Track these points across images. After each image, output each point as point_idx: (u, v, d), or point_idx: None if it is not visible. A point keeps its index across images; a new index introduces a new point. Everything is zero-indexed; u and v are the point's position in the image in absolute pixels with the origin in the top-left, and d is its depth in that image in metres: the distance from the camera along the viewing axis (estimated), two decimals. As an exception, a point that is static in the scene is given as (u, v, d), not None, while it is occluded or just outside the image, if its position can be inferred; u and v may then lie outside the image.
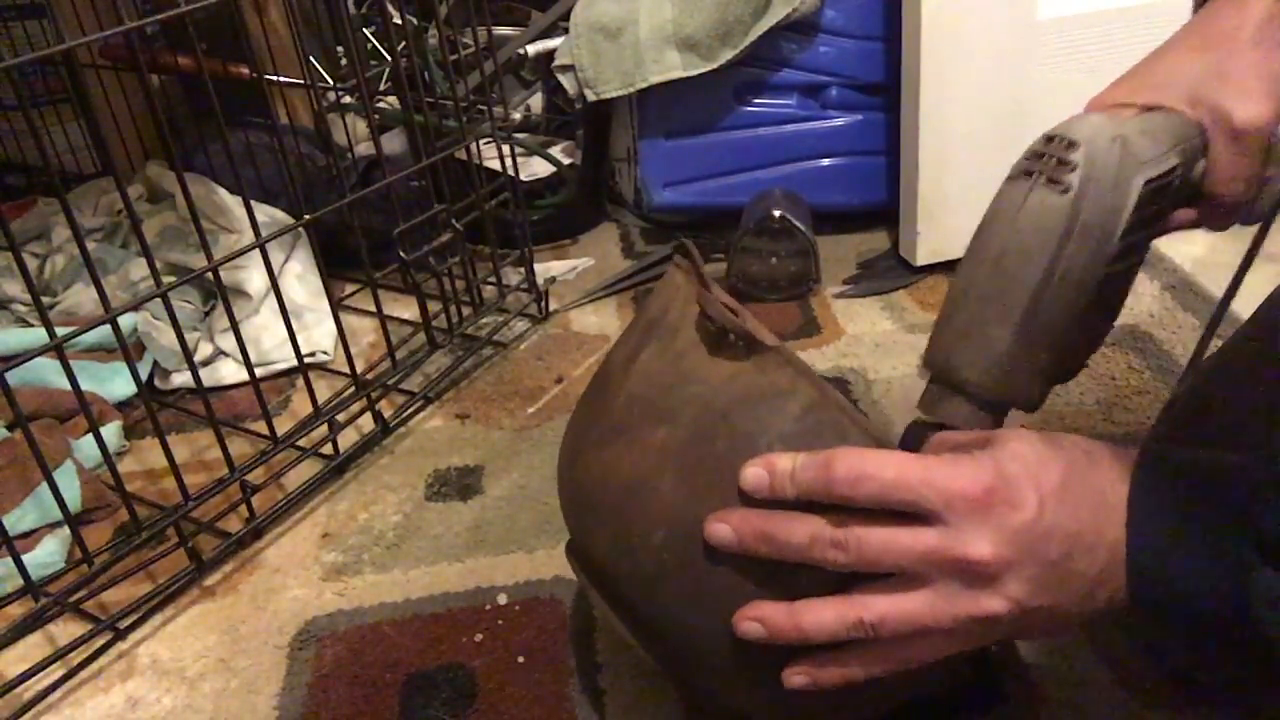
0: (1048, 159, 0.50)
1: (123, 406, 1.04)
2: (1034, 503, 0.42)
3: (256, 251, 0.84)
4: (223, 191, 1.18)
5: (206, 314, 1.15)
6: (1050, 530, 0.42)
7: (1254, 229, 0.61)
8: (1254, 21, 0.56)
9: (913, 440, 0.52)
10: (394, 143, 1.29)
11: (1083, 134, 0.50)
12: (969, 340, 0.51)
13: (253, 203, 0.86)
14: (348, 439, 0.96)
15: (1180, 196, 0.56)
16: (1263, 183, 0.59)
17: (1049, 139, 0.51)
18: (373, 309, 0.99)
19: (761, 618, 0.46)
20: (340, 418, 0.95)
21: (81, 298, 1.17)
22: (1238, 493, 0.42)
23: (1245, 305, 0.62)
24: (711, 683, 0.53)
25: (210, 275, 0.81)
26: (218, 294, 0.89)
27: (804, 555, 0.45)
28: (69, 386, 0.72)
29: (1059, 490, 0.43)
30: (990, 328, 0.50)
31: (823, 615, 0.45)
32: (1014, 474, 0.43)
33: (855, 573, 0.45)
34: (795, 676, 0.47)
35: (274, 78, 1.26)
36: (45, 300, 1.16)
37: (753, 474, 0.46)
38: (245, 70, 1.22)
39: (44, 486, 0.82)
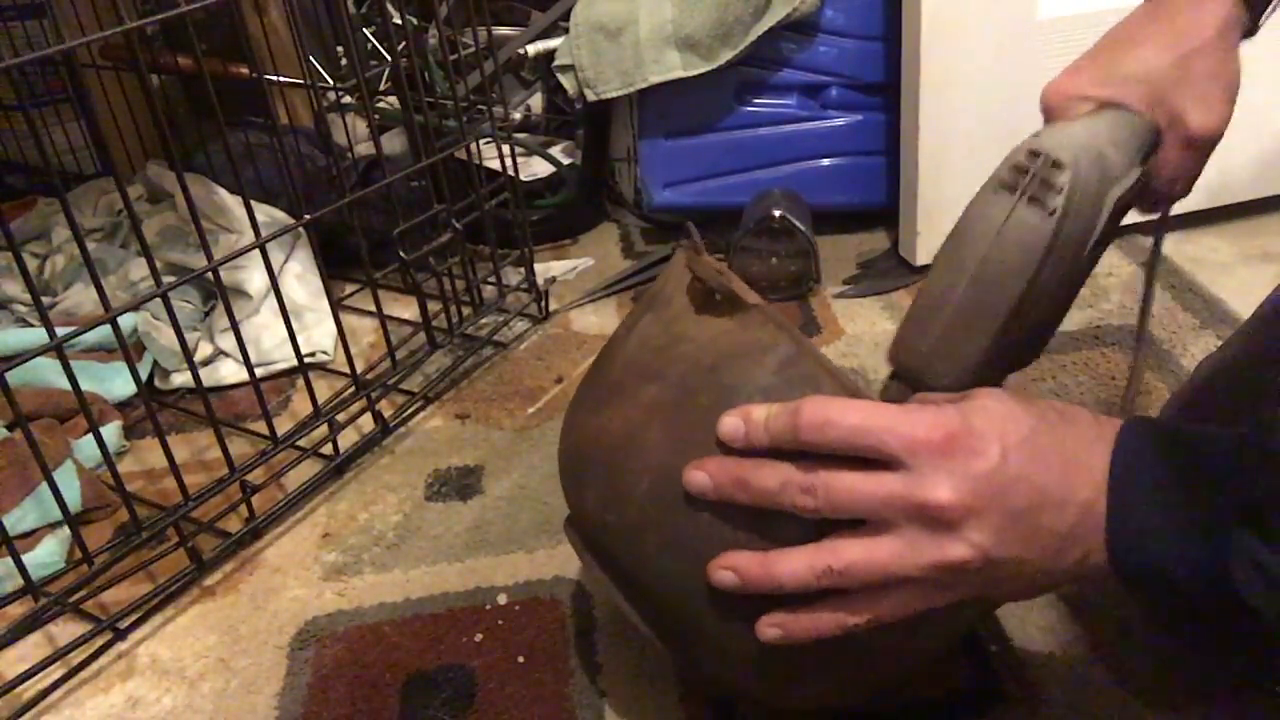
0: (1033, 177, 0.50)
1: (123, 406, 1.04)
2: (996, 452, 0.43)
3: (256, 251, 0.84)
4: (223, 191, 1.18)
5: (206, 314, 1.15)
6: (1014, 480, 0.43)
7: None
8: (1213, 24, 0.56)
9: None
10: (394, 143, 1.29)
11: (1067, 154, 0.51)
12: (945, 351, 0.52)
13: (253, 203, 0.86)
14: (348, 439, 0.96)
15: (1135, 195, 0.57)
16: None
17: (1033, 154, 0.51)
18: (373, 309, 0.99)
19: (735, 566, 0.47)
20: (340, 418, 0.95)
21: (81, 298, 1.17)
22: (1220, 459, 0.42)
23: (1245, 305, 0.62)
24: (697, 646, 0.54)
25: (210, 275, 0.81)
26: (218, 294, 0.89)
27: (775, 500, 0.46)
28: (69, 386, 0.72)
29: (1025, 443, 0.44)
30: (969, 342, 0.51)
31: (794, 563, 0.46)
32: (978, 424, 0.44)
33: (830, 523, 0.46)
34: (769, 629, 0.48)
35: (274, 78, 1.26)
36: (45, 300, 1.16)
37: (729, 423, 0.47)
38: (245, 70, 1.22)
39: (44, 486, 0.82)
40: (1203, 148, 0.58)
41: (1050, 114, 0.59)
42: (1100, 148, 0.52)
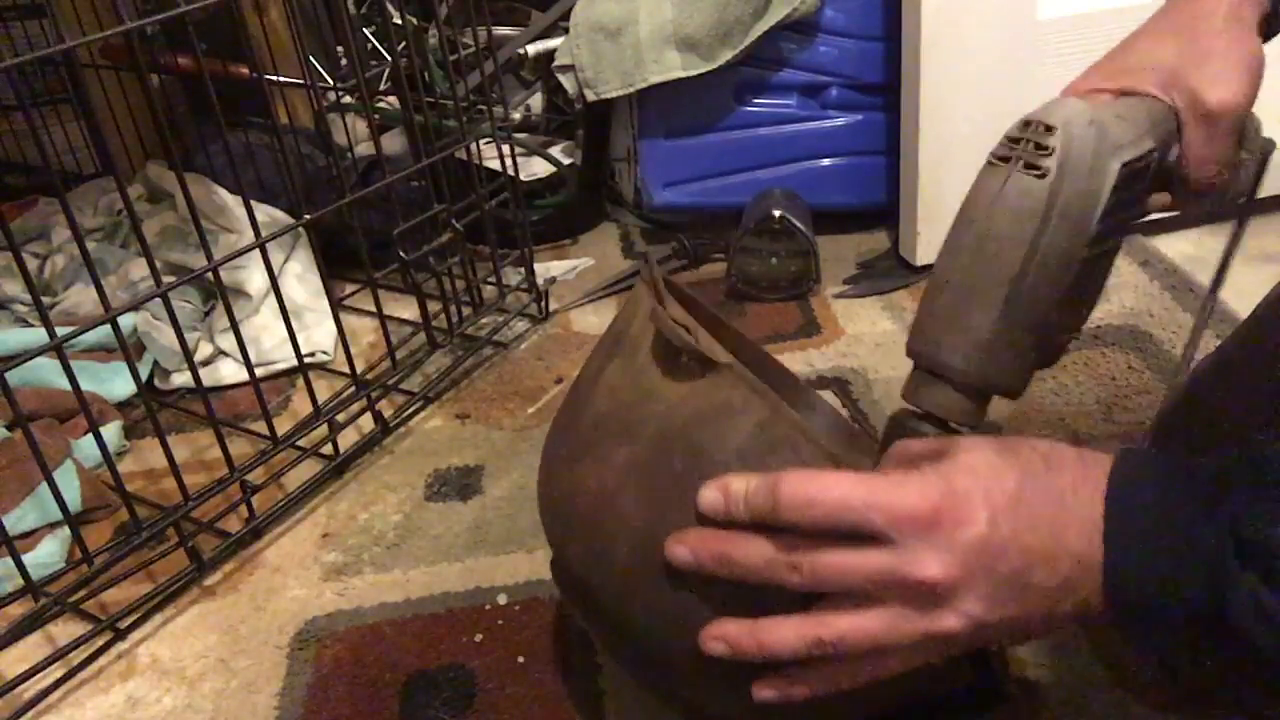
0: (1025, 144, 0.50)
1: (123, 406, 1.04)
2: (984, 518, 0.42)
3: (256, 251, 0.84)
4: (223, 191, 1.18)
5: (206, 314, 1.15)
6: (1004, 545, 0.42)
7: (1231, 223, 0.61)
8: (1225, 5, 0.56)
9: (895, 432, 0.52)
10: (394, 143, 1.29)
11: (1059, 118, 0.50)
12: (951, 327, 0.51)
13: (253, 203, 0.86)
14: (348, 439, 0.96)
15: (1156, 181, 0.57)
16: (1237, 166, 0.60)
17: (1025, 123, 0.51)
18: (373, 309, 0.99)
19: (724, 636, 0.46)
20: (340, 418, 0.95)
21: (81, 298, 1.17)
22: (1216, 497, 0.41)
23: (1244, 305, 0.62)
24: (688, 692, 0.54)
25: (210, 275, 0.81)
26: (218, 294, 0.89)
27: (760, 577, 0.45)
28: (69, 386, 0.72)
29: (1012, 502, 0.43)
30: (972, 314, 0.50)
31: (784, 634, 0.45)
32: (963, 488, 0.43)
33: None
34: (764, 691, 0.47)
35: (274, 78, 1.26)
36: (45, 300, 1.16)
37: (709, 497, 0.46)
38: (245, 70, 1.22)
39: (44, 486, 0.82)
40: (1225, 124, 0.56)
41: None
42: (1100, 117, 0.51)
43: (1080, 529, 0.43)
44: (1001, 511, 0.42)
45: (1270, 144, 0.63)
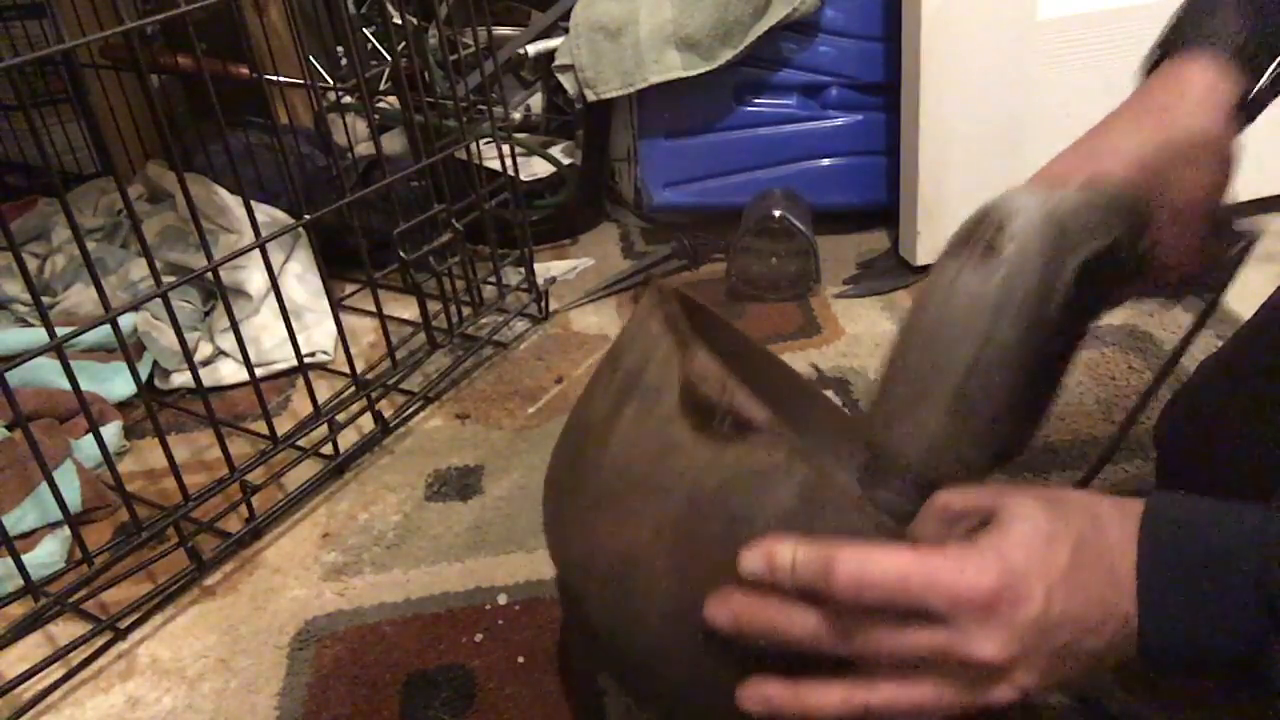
0: (979, 237, 0.48)
1: (123, 406, 1.04)
2: (1041, 595, 0.42)
3: (256, 251, 0.84)
4: (223, 191, 1.18)
5: (206, 314, 1.15)
6: (1060, 620, 0.42)
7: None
8: (1195, 93, 0.55)
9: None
10: (394, 143, 1.29)
11: (1015, 212, 0.49)
12: (902, 420, 0.50)
13: (253, 203, 0.86)
14: (348, 439, 0.96)
15: (1126, 271, 0.55)
16: (1213, 254, 0.59)
17: (982, 215, 0.50)
18: (373, 309, 0.99)
19: (766, 697, 0.45)
20: (340, 418, 0.95)
21: (81, 298, 1.17)
22: (1248, 557, 0.41)
23: (1245, 306, 0.62)
24: None
25: (210, 275, 0.81)
26: (218, 294, 0.89)
27: (807, 646, 0.44)
28: (69, 386, 0.72)
29: (1066, 575, 0.42)
30: (922, 408, 0.49)
31: (829, 699, 0.44)
32: (1019, 565, 0.42)
33: None
34: None
35: (274, 78, 1.26)
36: (45, 300, 1.16)
37: (752, 563, 0.45)
38: (245, 70, 1.22)
39: (44, 486, 0.82)
40: (1198, 216, 0.55)
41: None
42: (1059, 211, 0.50)
43: (1126, 590, 0.43)
44: (1056, 586, 0.42)
45: (1254, 233, 0.62)
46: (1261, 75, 0.56)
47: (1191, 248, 0.56)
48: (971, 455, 0.50)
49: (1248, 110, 0.57)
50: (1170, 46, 0.57)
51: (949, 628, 0.42)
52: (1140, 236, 0.54)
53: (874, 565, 0.42)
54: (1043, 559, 0.42)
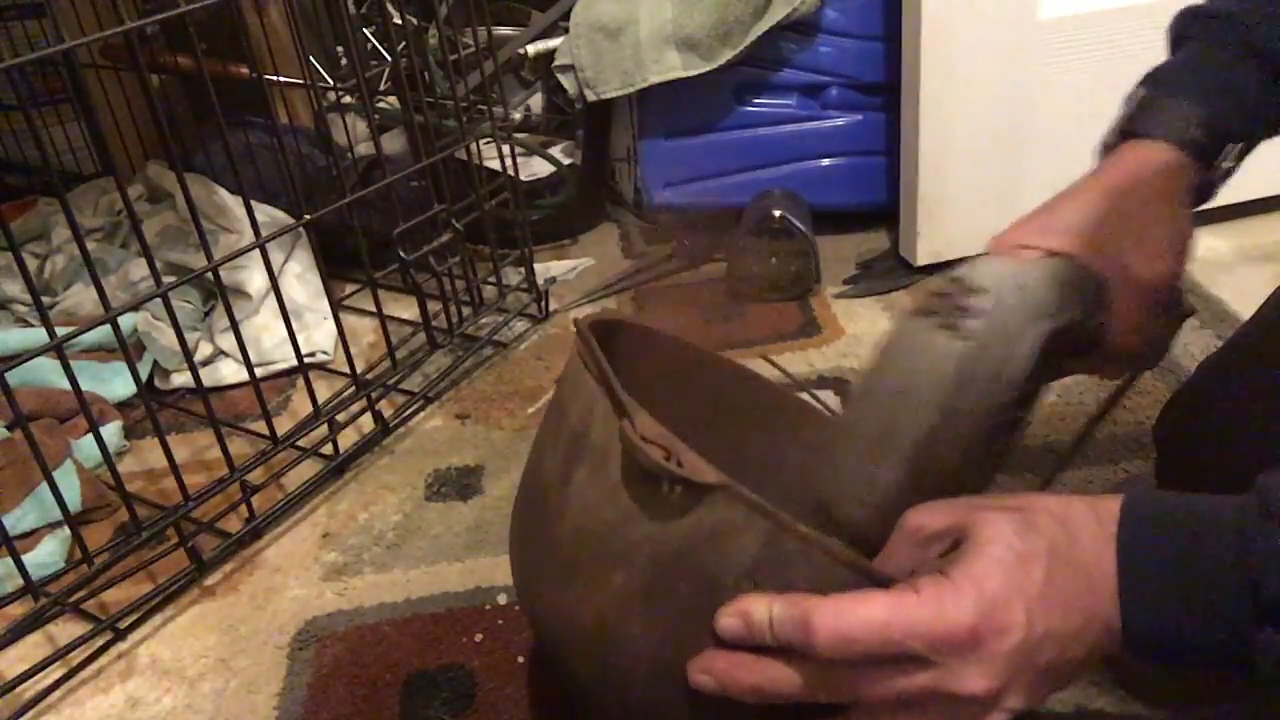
0: (949, 302, 0.48)
1: (123, 406, 1.04)
2: (1022, 619, 0.42)
3: (256, 251, 0.84)
4: (223, 191, 1.18)
5: (206, 314, 1.15)
6: (1042, 639, 0.42)
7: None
8: (1153, 175, 0.55)
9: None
10: (394, 143, 1.29)
11: (987, 280, 0.48)
12: (854, 481, 0.49)
13: (253, 203, 0.86)
14: (348, 439, 0.96)
15: (1077, 345, 0.55)
16: (1155, 331, 0.59)
17: (953, 280, 0.49)
18: (373, 309, 0.99)
19: None
20: (340, 418, 0.95)
21: (81, 298, 1.17)
22: (1231, 548, 0.41)
23: (1245, 305, 0.62)
24: None
25: (210, 275, 0.81)
26: (218, 294, 0.89)
27: (794, 699, 0.44)
28: (69, 386, 0.72)
29: (1044, 591, 0.42)
30: (877, 470, 0.49)
31: None
32: (997, 593, 0.42)
33: None
34: None
35: (274, 78, 1.26)
36: (45, 300, 1.16)
37: (729, 625, 0.45)
38: (245, 70, 1.22)
39: (44, 486, 0.82)
40: (1151, 296, 0.56)
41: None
42: (1029, 281, 0.50)
43: (1105, 594, 0.43)
44: (1035, 606, 0.42)
45: (1188, 309, 0.62)
46: (1212, 162, 0.57)
47: (1142, 326, 0.57)
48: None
49: (1199, 194, 0.58)
50: (1127, 133, 0.58)
51: (935, 668, 0.42)
52: (1094, 314, 0.55)
53: (852, 618, 0.42)
54: (1019, 581, 0.42)
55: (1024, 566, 0.42)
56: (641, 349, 0.62)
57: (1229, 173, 0.58)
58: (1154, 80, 0.59)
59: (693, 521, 0.45)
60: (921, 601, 0.42)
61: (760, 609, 0.44)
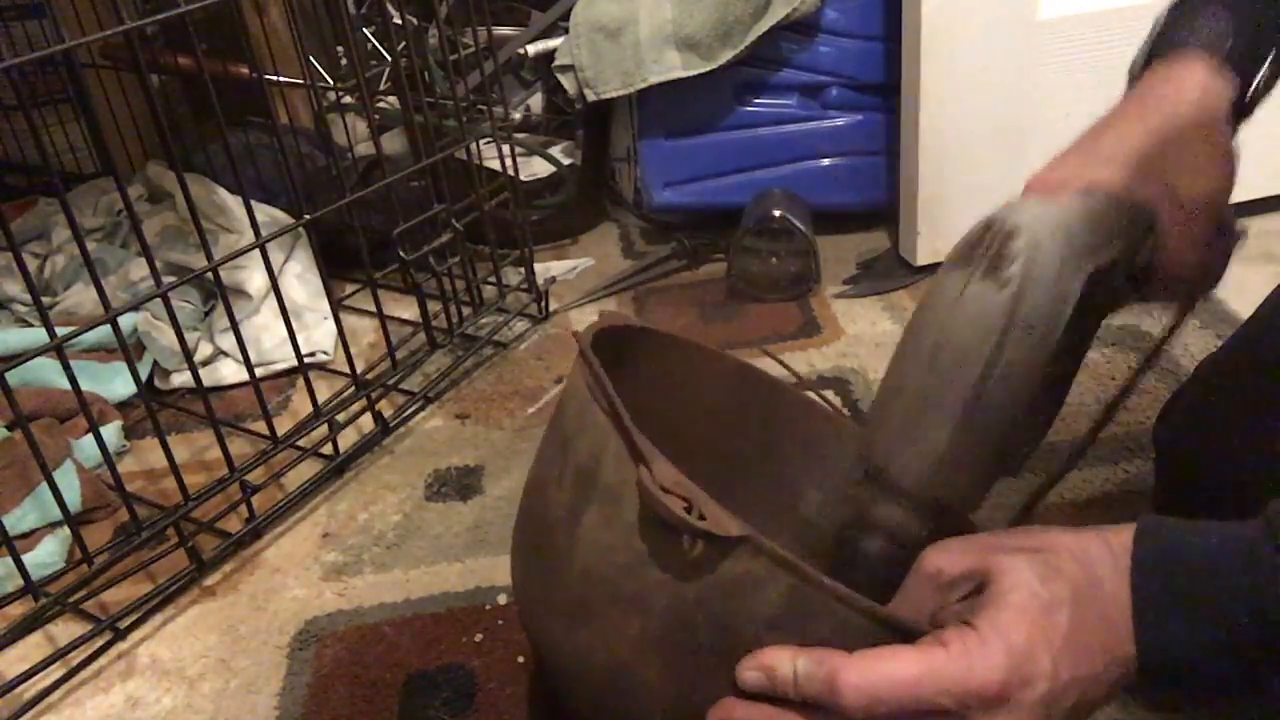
0: (986, 248, 0.47)
1: (123, 406, 1.04)
2: (1049, 669, 0.42)
3: (256, 251, 0.84)
4: (223, 191, 1.18)
5: (206, 314, 1.15)
6: (1067, 685, 0.42)
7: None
8: (1189, 90, 0.54)
9: (847, 551, 0.50)
10: (394, 143, 1.29)
11: (1023, 223, 0.47)
12: (904, 441, 0.48)
13: (253, 203, 0.86)
14: (348, 439, 0.96)
15: (1131, 278, 0.54)
16: (1214, 255, 0.57)
17: (988, 226, 0.48)
18: (373, 309, 0.99)
19: None
20: (340, 418, 0.95)
21: (81, 298, 1.17)
22: (1243, 582, 0.41)
23: (1245, 305, 0.62)
24: None
25: (210, 275, 0.81)
26: (218, 294, 0.89)
27: None
28: (69, 386, 0.72)
29: (1069, 638, 0.42)
30: (928, 428, 0.47)
31: None
32: (1023, 645, 0.42)
33: None
34: None
35: (274, 78, 1.26)
36: (45, 300, 1.16)
37: (751, 679, 0.44)
38: (245, 70, 1.22)
39: (44, 486, 0.82)
40: (1201, 217, 0.54)
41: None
42: (1067, 221, 0.48)
43: (1125, 633, 0.43)
44: (1061, 654, 0.42)
45: (1239, 231, 0.60)
46: (1250, 79, 0.55)
47: (1195, 249, 0.55)
48: (975, 475, 0.49)
49: (1239, 112, 0.56)
50: (1158, 49, 0.56)
51: None
52: (1144, 242, 0.53)
53: (881, 676, 0.42)
54: (1044, 630, 0.42)
55: (1049, 614, 0.42)
56: (642, 349, 0.62)
57: (1269, 86, 0.55)
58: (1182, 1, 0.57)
59: (713, 569, 0.44)
60: (951, 657, 0.42)
61: (784, 664, 0.43)
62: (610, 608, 0.47)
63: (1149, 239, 0.53)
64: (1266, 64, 0.54)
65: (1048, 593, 0.43)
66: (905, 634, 0.43)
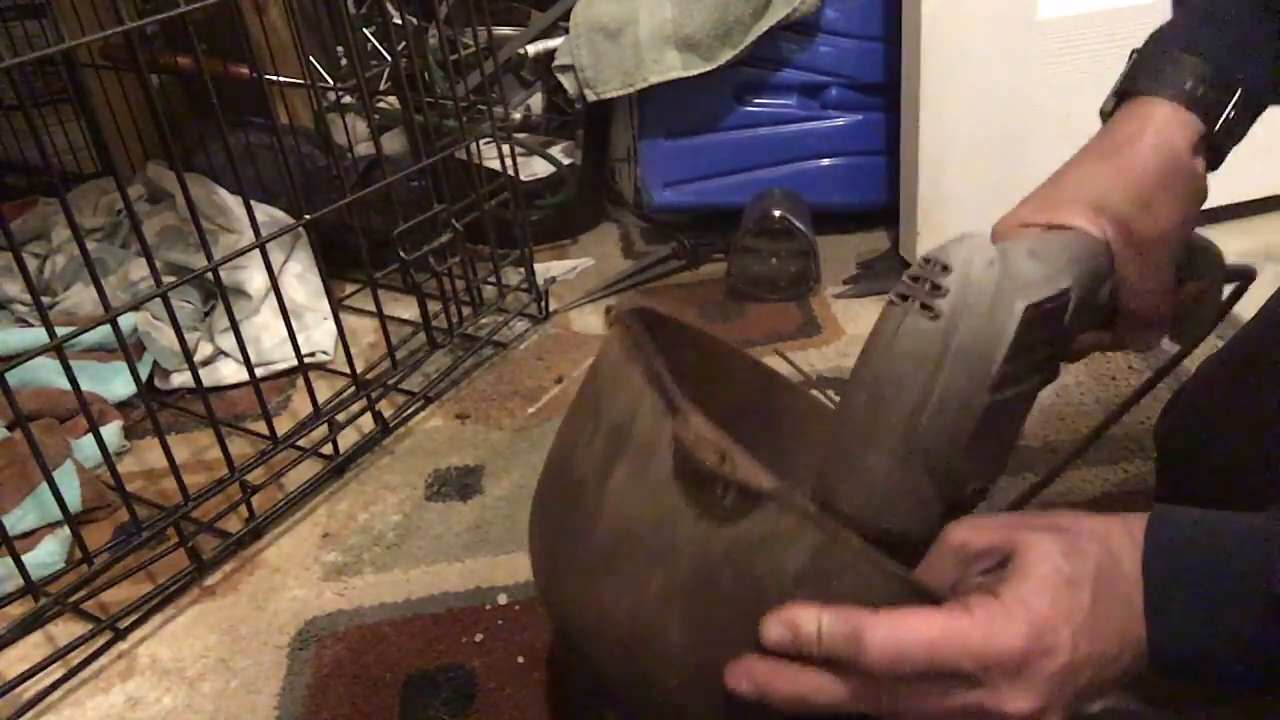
0: (921, 283, 0.48)
1: (123, 406, 1.04)
2: (1068, 643, 0.42)
3: (256, 251, 0.84)
4: (223, 191, 1.18)
5: (206, 314, 1.15)
6: (1083, 662, 0.43)
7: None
8: (1154, 128, 0.54)
9: None
10: (394, 143, 1.29)
11: (957, 257, 0.48)
12: (846, 470, 0.49)
13: (253, 203, 0.86)
14: (348, 439, 0.96)
15: (1090, 319, 0.54)
16: (1189, 297, 0.58)
17: (925, 261, 0.49)
18: (373, 309, 0.99)
19: None
20: (340, 418, 0.95)
21: (81, 298, 1.17)
22: (1254, 568, 0.42)
23: (1244, 305, 0.62)
24: None
25: (210, 275, 0.81)
26: (218, 294, 0.89)
27: (836, 710, 0.44)
28: (69, 386, 0.72)
29: (1090, 615, 0.43)
30: (867, 457, 0.48)
31: None
32: (1045, 616, 0.42)
33: None
34: None
35: (274, 78, 1.26)
36: (45, 300, 1.16)
37: (775, 633, 0.44)
38: (245, 70, 1.22)
39: (44, 486, 0.82)
40: (1158, 252, 0.54)
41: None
42: (1008, 254, 0.49)
43: (1138, 619, 0.43)
44: (1081, 630, 0.43)
45: (1244, 270, 0.60)
46: (1217, 121, 0.55)
47: (1156, 289, 0.55)
48: (918, 506, 0.49)
49: (1209, 155, 0.56)
50: (1127, 94, 0.56)
51: (982, 687, 0.42)
52: (1101, 282, 0.54)
53: (906, 635, 0.42)
54: (1067, 605, 0.43)
55: (1071, 591, 0.43)
56: (665, 338, 0.63)
57: (1237, 131, 0.56)
58: (1155, 39, 0.57)
59: (743, 527, 0.45)
60: (975, 622, 0.42)
61: (809, 620, 0.44)
62: (635, 563, 0.48)
63: (1108, 278, 0.54)
64: (1230, 108, 0.55)
65: (1071, 569, 0.43)
66: (929, 599, 0.44)
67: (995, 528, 0.47)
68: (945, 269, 0.48)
